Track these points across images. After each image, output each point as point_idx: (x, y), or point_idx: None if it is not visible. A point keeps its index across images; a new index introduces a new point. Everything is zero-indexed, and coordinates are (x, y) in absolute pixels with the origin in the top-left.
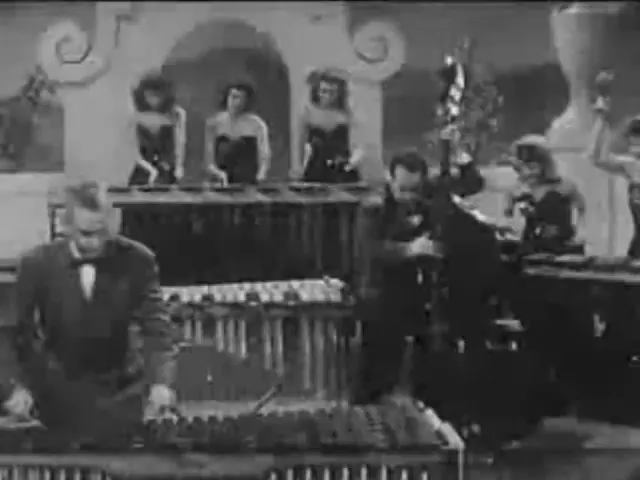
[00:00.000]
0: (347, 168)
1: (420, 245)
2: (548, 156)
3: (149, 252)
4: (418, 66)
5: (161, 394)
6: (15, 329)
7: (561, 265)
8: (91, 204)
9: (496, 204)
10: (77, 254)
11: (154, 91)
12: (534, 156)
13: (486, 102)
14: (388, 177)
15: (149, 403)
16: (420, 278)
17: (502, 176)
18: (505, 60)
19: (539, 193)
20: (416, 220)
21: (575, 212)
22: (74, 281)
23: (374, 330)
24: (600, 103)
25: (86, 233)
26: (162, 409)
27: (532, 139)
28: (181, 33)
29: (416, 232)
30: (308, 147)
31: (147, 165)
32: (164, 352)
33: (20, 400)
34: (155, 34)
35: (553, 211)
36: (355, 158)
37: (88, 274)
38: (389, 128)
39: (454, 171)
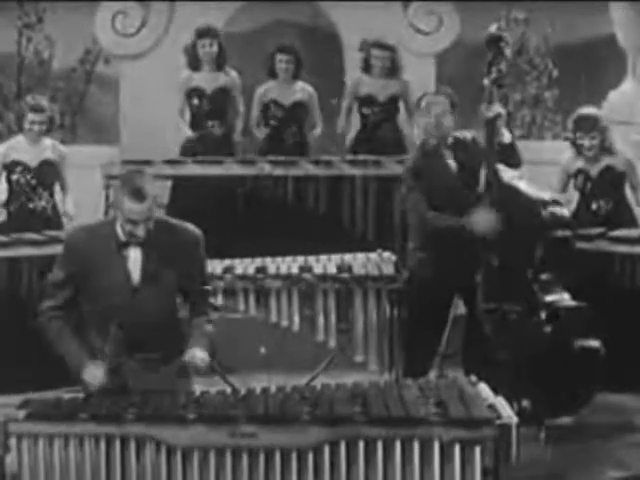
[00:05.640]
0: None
1: (486, 220)
2: (607, 127)
3: (197, 231)
4: (472, 39)
5: (194, 355)
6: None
7: (616, 240)
8: (137, 196)
9: (549, 178)
10: (123, 236)
11: (207, 40)
12: (595, 127)
13: (541, 75)
14: (419, 122)
15: (184, 364)
16: (472, 251)
17: (556, 150)
18: (560, 33)
19: (595, 169)
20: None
21: (628, 189)
22: (120, 264)
23: (421, 300)
24: None
25: (132, 221)
26: (196, 370)
27: (591, 110)
28: (233, 7)
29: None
30: (357, 118)
31: (184, 124)
32: (201, 317)
33: (95, 372)
34: (208, 8)
35: (610, 187)
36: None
37: (135, 257)
38: None
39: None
